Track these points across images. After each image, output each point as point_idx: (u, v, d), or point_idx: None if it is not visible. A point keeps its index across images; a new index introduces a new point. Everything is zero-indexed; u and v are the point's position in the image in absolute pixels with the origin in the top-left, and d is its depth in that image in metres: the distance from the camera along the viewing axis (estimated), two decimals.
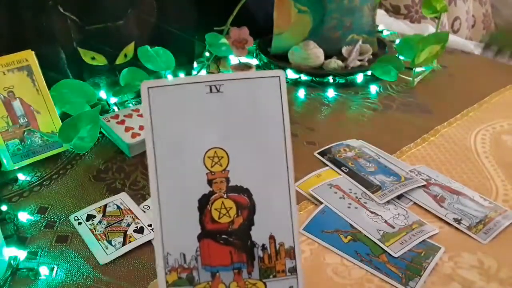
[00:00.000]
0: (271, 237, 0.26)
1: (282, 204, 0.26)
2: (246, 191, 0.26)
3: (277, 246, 0.26)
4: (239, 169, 0.25)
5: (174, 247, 0.25)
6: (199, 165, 0.25)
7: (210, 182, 0.25)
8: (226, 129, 0.25)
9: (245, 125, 0.26)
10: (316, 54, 0.93)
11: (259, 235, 0.26)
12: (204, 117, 0.25)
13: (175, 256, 0.25)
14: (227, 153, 0.25)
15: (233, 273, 0.26)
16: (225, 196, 0.26)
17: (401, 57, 0.98)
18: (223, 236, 0.26)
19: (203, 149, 0.25)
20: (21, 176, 0.65)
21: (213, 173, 0.25)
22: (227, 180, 0.25)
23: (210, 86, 0.25)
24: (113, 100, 0.80)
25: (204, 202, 0.26)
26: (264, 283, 0.25)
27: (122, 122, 0.72)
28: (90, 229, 0.55)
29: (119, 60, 0.81)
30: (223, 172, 0.25)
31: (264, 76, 0.26)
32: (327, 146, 0.71)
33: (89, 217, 0.57)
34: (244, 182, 0.26)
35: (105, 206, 0.59)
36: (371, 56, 0.97)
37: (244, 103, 0.25)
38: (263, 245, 0.26)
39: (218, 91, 0.25)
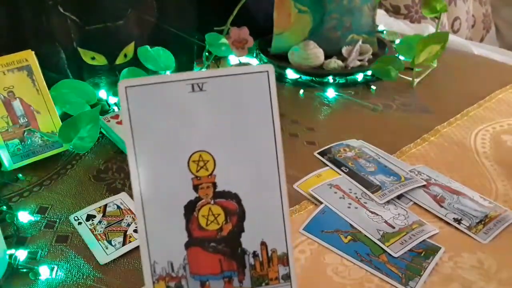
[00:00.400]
0: (263, 244, 0.25)
1: (274, 209, 0.24)
2: (234, 197, 0.24)
3: (269, 253, 0.25)
4: (227, 173, 0.24)
5: (161, 255, 0.25)
6: (184, 170, 0.24)
7: (196, 188, 0.24)
8: (211, 131, 0.24)
9: (231, 126, 0.24)
10: (316, 54, 0.93)
11: (250, 242, 0.24)
12: (187, 118, 0.23)
13: (162, 264, 0.25)
14: (213, 157, 0.24)
15: (224, 281, 0.25)
16: (212, 202, 0.24)
17: (401, 57, 0.98)
18: (212, 244, 0.24)
19: (187, 152, 0.24)
20: (21, 176, 0.65)
21: (198, 178, 0.24)
22: (214, 185, 0.24)
23: (192, 85, 0.23)
24: (113, 100, 0.80)
25: (190, 209, 0.24)
26: None
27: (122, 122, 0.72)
28: (90, 229, 0.55)
29: (119, 60, 0.81)
30: (209, 177, 0.24)
31: (250, 72, 0.24)
32: (327, 146, 0.71)
33: (89, 217, 0.57)
34: (232, 187, 0.24)
35: (105, 206, 0.59)
36: (371, 56, 0.97)
37: (230, 102, 0.23)
38: (255, 252, 0.24)
39: (201, 89, 0.23)
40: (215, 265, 0.24)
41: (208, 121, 0.24)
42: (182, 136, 0.24)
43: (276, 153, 0.24)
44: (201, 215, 0.24)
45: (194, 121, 0.24)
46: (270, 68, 0.24)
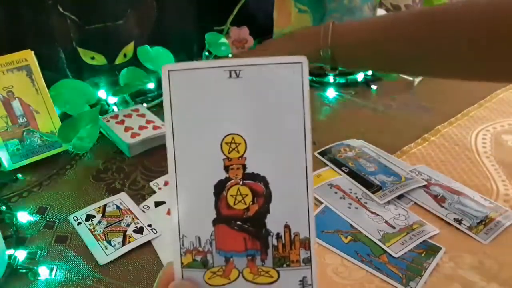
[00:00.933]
0: (286, 227, 0.26)
1: (299, 195, 0.25)
2: (262, 179, 0.25)
3: (292, 236, 0.26)
4: (256, 156, 0.25)
5: (190, 230, 0.26)
6: (216, 150, 0.25)
7: (226, 168, 0.25)
8: (245, 116, 0.25)
9: (264, 112, 0.25)
10: None
11: (274, 223, 0.25)
12: (223, 103, 0.25)
13: (191, 239, 0.26)
14: (244, 140, 0.25)
15: (247, 259, 0.26)
16: (241, 183, 0.25)
17: None
18: (238, 222, 0.26)
19: (221, 134, 0.25)
20: (20, 176, 0.65)
21: (229, 159, 0.25)
22: (244, 167, 0.25)
23: (230, 71, 0.25)
24: (112, 100, 0.80)
25: (220, 188, 0.26)
26: (278, 272, 0.26)
27: (122, 122, 0.72)
28: (89, 229, 0.55)
29: (119, 59, 0.81)
30: (240, 158, 0.25)
31: (285, 62, 0.25)
32: (327, 146, 0.71)
33: (89, 217, 0.57)
34: (261, 170, 0.25)
35: (105, 206, 0.59)
36: None
37: (264, 90, 0.25)
38: (278, 234, 0.25)
39: (237, 76, 0.25)
40: (239, 243, 0.26)
41: (242, 106, 0.25)
42: (217, 119, 0.25)
43: (305, 141, 0.25)
44: (230, 194, 0.25)
45: (229, 105, 0.25)
46: (304, 59, 0.25)
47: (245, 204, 0.25)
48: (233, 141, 0.25)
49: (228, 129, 0.25)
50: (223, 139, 0.25)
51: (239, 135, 0.25)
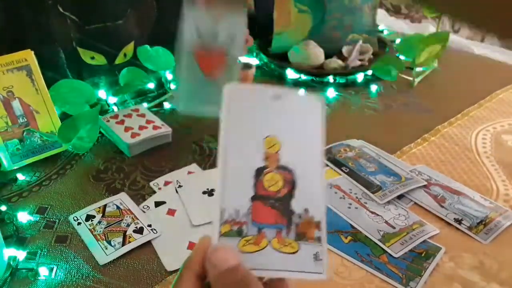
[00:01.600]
0: (306, 210, 0.34)
1: (316, 187, 0.34)
2: (290, 171, 0.34)
3: (310, 218, 0.34)
4: (287, 154, 0.34)
5: (231, 204, 0.33)
6: (260, 145, 0.34)
7: (266, 159, 0.34)
8: (281, 125, 0.35)
9: (294, 123, 0.35)
10: (316, 53, 0.92)
11: (296, 206, 0.34)
12: (266, 114, 0.35)
13: (230, 211, 0.33)
14: (279, 141, 0.34)
15: (275, 231, 0.33)
16: (275, 171, 0.34)
17: (402, 57, 0.98)
18: (271, 201, 0.34)
19: (264, 135, 0.34)
20: (20, 176, 0.65)
21: (268, 153, 0.34)
22: (278, 160, 0.34)
23: (274, 94, 0.35)
24: (112, 100, 0.80)
25: (259, 173, 0.34)
26: (298, 244, 0.33)
27: (122, 122, 0.72)
28: (89, 229, 0.55)
29: (119, 59, 0.81)
30: (275, 153, 0.34)
31: (309, 96, 0.36)
32: (327, 146, 0.71)
33: (89, 217, 0.57)
34: (290, 164, 0.34)
35: (105, 206, 0.59)
36: (371, 56, 0.96)
37: (296, 109, 0.35)
38: (299, 214, 0.34)
39: (279, 98, 0.35)
40: (271, 217, 0.33)
41: (280, 118, 0.35)
42: (262, 124, 0.35)
43: (321, 147, 0.35)
44: (266, 179, 0.34)
45: (270, 116, 0.35)
46: (322, 98, 0.36)
47: (277, 187, 0.34)
48: (271, 140, 0.34)
49: (269, 132, 0.34)
50: (265, 138, 0.34)
51: (276, 137, 0.34)
